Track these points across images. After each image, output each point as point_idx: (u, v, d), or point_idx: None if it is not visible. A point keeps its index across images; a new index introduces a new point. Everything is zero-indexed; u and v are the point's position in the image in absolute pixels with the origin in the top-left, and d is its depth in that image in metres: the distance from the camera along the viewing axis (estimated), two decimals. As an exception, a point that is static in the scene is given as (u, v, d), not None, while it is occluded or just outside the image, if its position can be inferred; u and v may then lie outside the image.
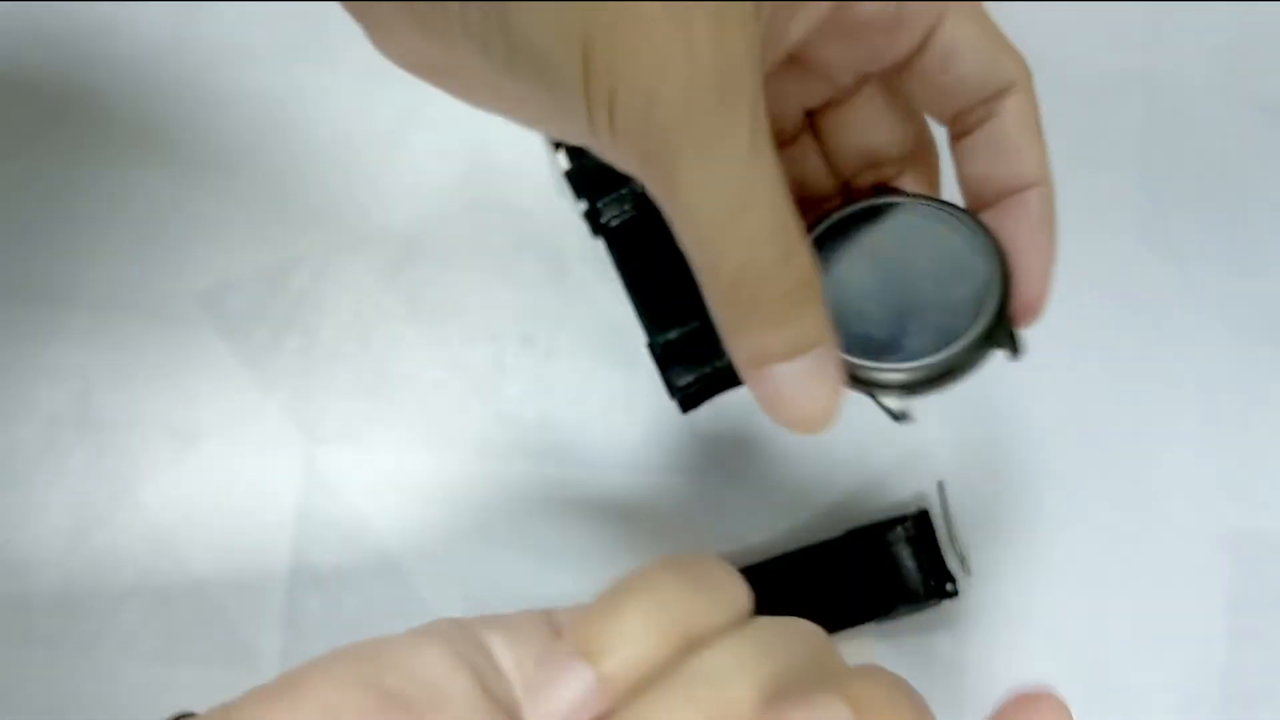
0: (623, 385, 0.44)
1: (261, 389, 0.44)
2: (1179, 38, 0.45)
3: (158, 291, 0.44)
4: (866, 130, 0.30)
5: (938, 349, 0.31)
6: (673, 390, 0.43)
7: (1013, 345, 0.33)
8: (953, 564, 0.42)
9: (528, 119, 0.26)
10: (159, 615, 0.42)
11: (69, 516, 0.43)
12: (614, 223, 0.43)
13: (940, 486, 0.43)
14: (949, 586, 0.41)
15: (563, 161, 0.44)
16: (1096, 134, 0.45)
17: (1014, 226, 0.30)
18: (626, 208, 0.43)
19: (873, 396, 0.31)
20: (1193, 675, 0.42)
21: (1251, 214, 0.44)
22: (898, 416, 0.32)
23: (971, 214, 0.31)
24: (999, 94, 0.28)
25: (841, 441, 0.43)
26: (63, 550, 0.43)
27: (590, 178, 0.44)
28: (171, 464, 0.44)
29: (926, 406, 0.44)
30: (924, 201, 0.32)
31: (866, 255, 0.32)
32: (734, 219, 0.23)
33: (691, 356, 0.43)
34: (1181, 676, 0.42)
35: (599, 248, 0.45)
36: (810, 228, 0.34)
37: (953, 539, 0.42)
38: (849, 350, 0.30)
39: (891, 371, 0.31)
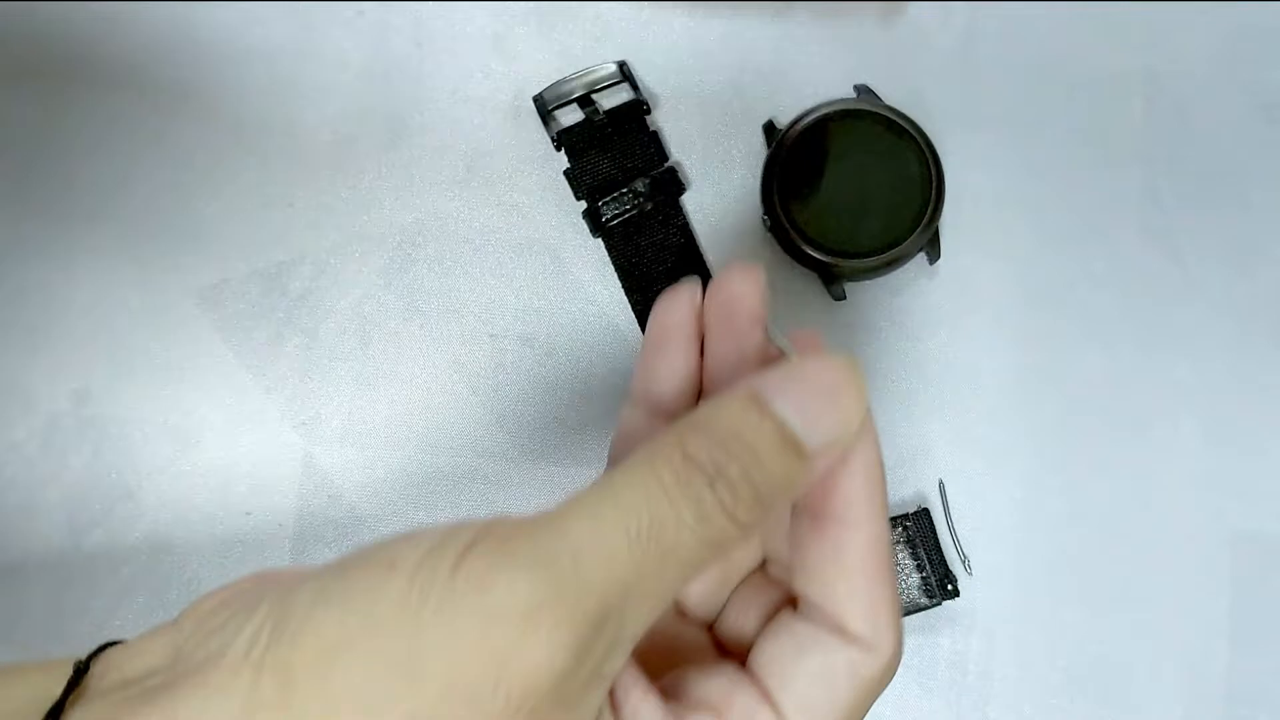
0: (622, 385, 0.44)
1: (261, 389, 0.44)
2: (1179, 38, 0.45)
3: (158, 291, 0.44)
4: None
5: (875, 252, 0.42)
6: (673, 390, 0.43)
7: (933, 255, 0.43)
8: (953, 564, 0.42)
9: None
10: (158, 615, 0.42)
11: (69, 516, 0.43)
12: (614, 223, 0.43)
13: (940, 486, 0.43)
14: (949, 586, 0.41)
15: (563, 161, 0.44)
16: (1096, 134, 0.45)
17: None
18: (626, 208, 0.43)
19: (819, 274, 0.43)
20: (1194, 676, 0.42)
21: (1251, 214, 0.44)
22: (835, 293, 0.43)
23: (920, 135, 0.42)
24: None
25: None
26: (62, 550, 0.43)
27: (590, 178, 0.44)
28: (171, 464, 0.44)
29: (926, 406, 0.45)
30: (894, 115, 0.42)
31: (834, 155, 0.42)
32: None
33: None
34: (1183, 678, 0.42)
35: (599, 248, 0.45)
36: (790, 126, 0.43)
37: (954, 539, 0.42)
38: (805, 234, 0.42)
39: (836, 262, 0.42)
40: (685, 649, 0.28)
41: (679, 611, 0.30)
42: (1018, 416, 0.43)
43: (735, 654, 0.28)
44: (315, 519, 0.43)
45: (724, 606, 0.29)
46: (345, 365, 0.44)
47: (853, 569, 0.25)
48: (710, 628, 0.29)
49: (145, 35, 0.46)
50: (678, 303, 0.29)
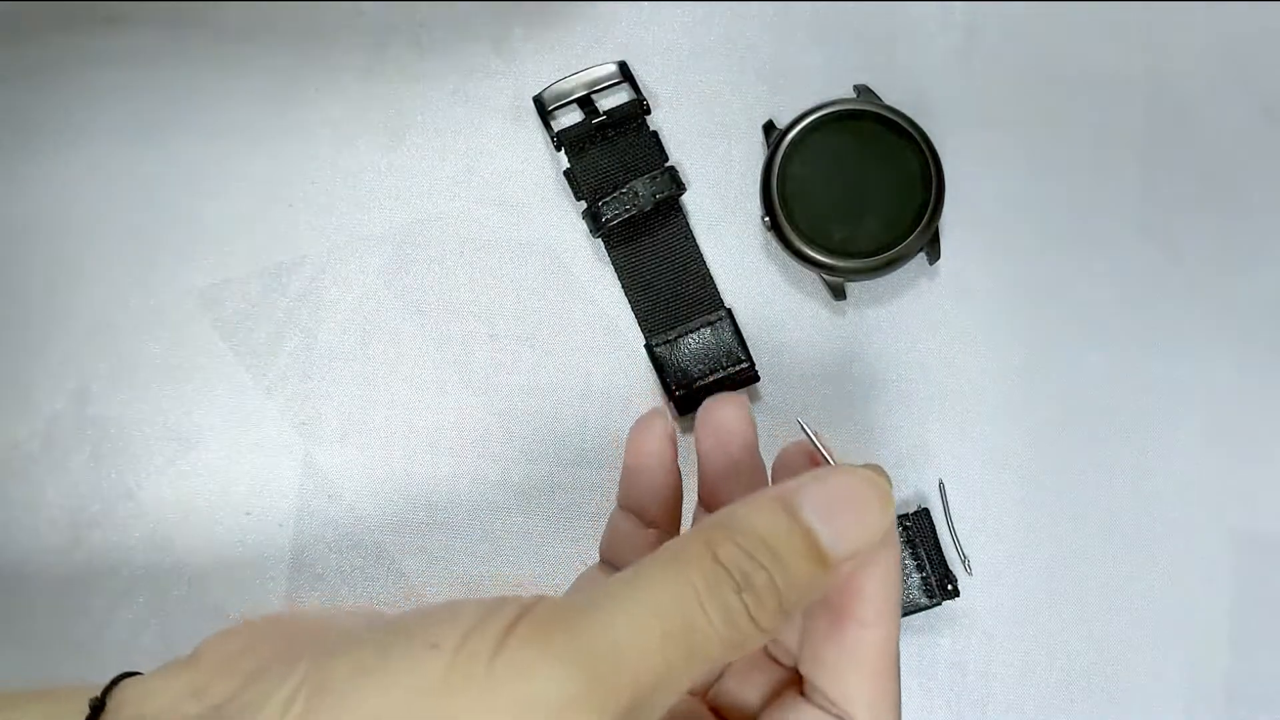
0: (622, 385, 0.44)
1: (261, 389, 0.44)
2: (1180, 38, 0.45)
3: (158, 291, 0.45)
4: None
5: (875, 252, 0.41)
6: (670, 391, 0.43)
7: (933, 255, 0.43)
8: (953, 564, 0.42)
9: None
10: (158, 615, 0.42)
11: (69, 516, 0.43)
12: (614, 223, 0.43)
13: (940, 486, 0.43)
14: (949, 586, 0.41)
15: (563, 161, 0.44)
16: (1097, 134, 0.45)
17: None
18: (626, 208, 0.43)
19: (819, 274, 0.43)
20: (1195, 677, 0.42)
21: (1251, 214, 0.44)
22: (836, 293, 0.43)
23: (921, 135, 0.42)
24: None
25: (841, 442, 0.43)
26: (62, 550, 0.43)
27: (590, 178, 0.44)
28: (171, 464, 0.44)
29: (926, 406, 0.45)
30: (894, 115, 0.42)
31: (834, 155, 0.42)
32: None
33: (690, 359, 0.43)
34: (1184, 678, 0.42)
35: (599, 248, 0.45)
36: (790, 127, 0.43)
37: (953, 539, 0.42)
38: (805, 234, 0.42)
39: (836, 262, 0.42)
40: (683, 717, 0.29)
41: None
42: (1018, 416, 0.43)
43: None
44: (315, 519, 0.43)
45: (720, 676, 0.30)
46: (345, 365, 0.44)
47: (863, 665, 0.26)
48: (704, 694, 0.31)
49: (145, 37, 0.46)
50: (652, 434, 0.32)
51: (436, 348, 0.44)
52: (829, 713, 0.27)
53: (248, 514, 0.43)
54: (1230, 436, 0.43)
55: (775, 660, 0.30)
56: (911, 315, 0.44)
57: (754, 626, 0.23)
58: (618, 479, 0.32)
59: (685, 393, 0.43)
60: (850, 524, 0.25)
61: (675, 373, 0.43)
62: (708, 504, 0.32)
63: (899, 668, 0.27)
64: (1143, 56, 0.46)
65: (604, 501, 0.43)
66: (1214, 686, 0.42)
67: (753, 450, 0.31)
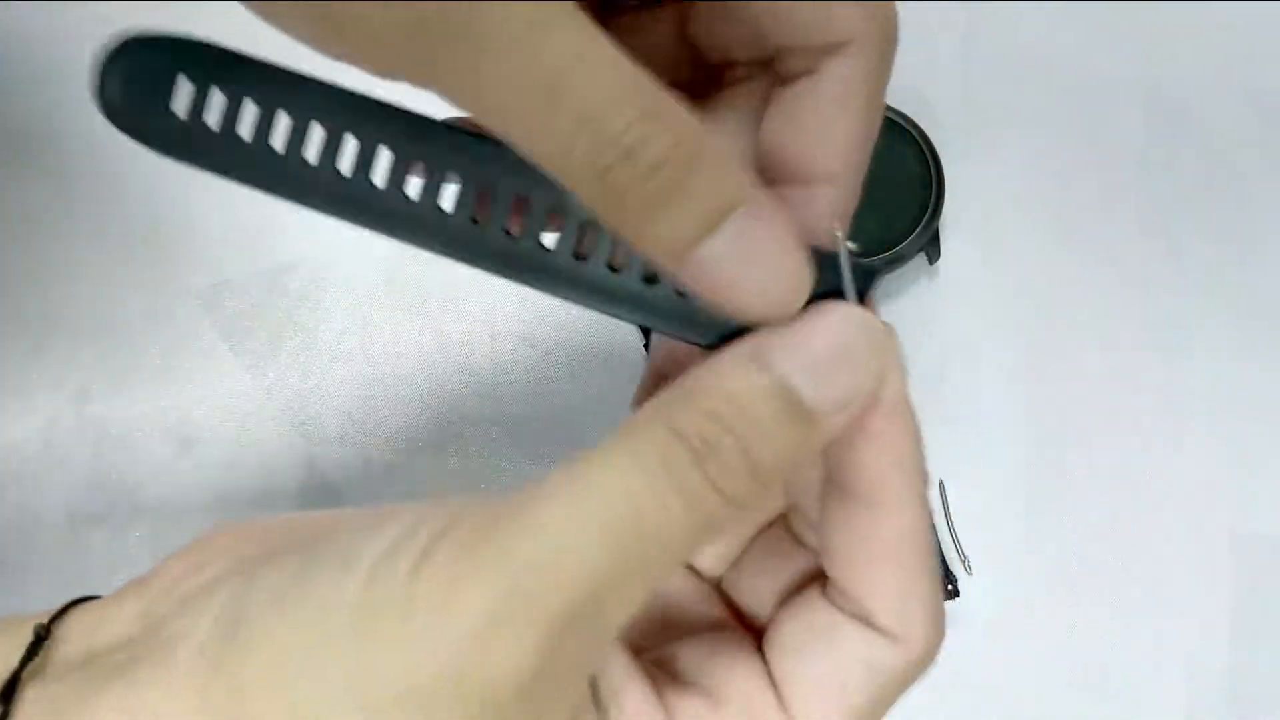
0: (622, 385, 0.44)
1: (261, 389, 0.44)
2: (1179, 37, 0.45)
3: (157, 292, 0.44)
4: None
5: (875, 252, 0.41)
6: (673, 390, 0.43)
7: (933, 255, 0.42)
8: (953, 564, 0.42)
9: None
10: (158, 615, 0.42)
11: (69, 516, 0.43)
12: (614, 223, 0.44)
13: (940, 486, 0.43)
14: (949, 586, 0.41)
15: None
16: (1096, 134, 0.45)
17: (800, 218, 0.23)
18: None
19: None
20: (1196, 678, 0.42)
21: (1251, 214, 0.44)
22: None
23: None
24: (824, 50, 0.22)
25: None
26: (61, 550, 0.43)
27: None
28: (171, 464, 0.44)
29: (926, 406, 0.44)
30: (894, 114, 0.42)
31: None
32: (560, 90, 0.18)
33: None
34: (1184, 679, 0.42)
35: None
36: None
37: (953, 539, 0.42)
38: None
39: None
40: (687, 611, 0.25)
41: (683, 567, 0.27)
42: (1018, 416, 0.43)
43: (745, 619, 0.25)
44: (315, 519, 0.43)
45: (739, 560, 0.27)
46: (345, 365, 0.44)
47: (881, 557, 0.22)
48: (720, 583, 0.27)
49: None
50: None
51: (437, 348, 0.44)
52: (845, 611, 0.23)
53: (247, 514, 0.43)
54: (1231, 437, 0.43)
55: (800, 543, 0.26)
56: (911, 315, 0.44)
57: (721, 500, 0.19)
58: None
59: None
60: (838, 369, 0.21)
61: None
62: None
63: (931, 561, 0.23)
64: (1142, 56, 0.46)
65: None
66: (1214, 686, 0.42)
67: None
